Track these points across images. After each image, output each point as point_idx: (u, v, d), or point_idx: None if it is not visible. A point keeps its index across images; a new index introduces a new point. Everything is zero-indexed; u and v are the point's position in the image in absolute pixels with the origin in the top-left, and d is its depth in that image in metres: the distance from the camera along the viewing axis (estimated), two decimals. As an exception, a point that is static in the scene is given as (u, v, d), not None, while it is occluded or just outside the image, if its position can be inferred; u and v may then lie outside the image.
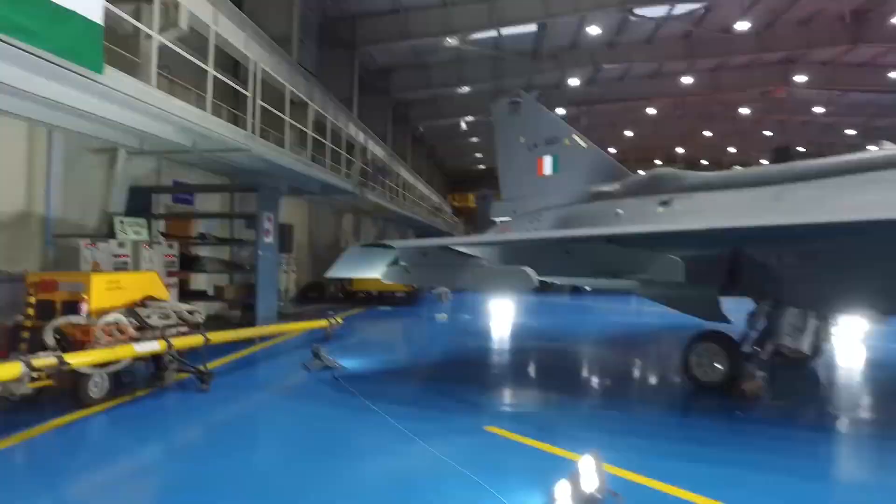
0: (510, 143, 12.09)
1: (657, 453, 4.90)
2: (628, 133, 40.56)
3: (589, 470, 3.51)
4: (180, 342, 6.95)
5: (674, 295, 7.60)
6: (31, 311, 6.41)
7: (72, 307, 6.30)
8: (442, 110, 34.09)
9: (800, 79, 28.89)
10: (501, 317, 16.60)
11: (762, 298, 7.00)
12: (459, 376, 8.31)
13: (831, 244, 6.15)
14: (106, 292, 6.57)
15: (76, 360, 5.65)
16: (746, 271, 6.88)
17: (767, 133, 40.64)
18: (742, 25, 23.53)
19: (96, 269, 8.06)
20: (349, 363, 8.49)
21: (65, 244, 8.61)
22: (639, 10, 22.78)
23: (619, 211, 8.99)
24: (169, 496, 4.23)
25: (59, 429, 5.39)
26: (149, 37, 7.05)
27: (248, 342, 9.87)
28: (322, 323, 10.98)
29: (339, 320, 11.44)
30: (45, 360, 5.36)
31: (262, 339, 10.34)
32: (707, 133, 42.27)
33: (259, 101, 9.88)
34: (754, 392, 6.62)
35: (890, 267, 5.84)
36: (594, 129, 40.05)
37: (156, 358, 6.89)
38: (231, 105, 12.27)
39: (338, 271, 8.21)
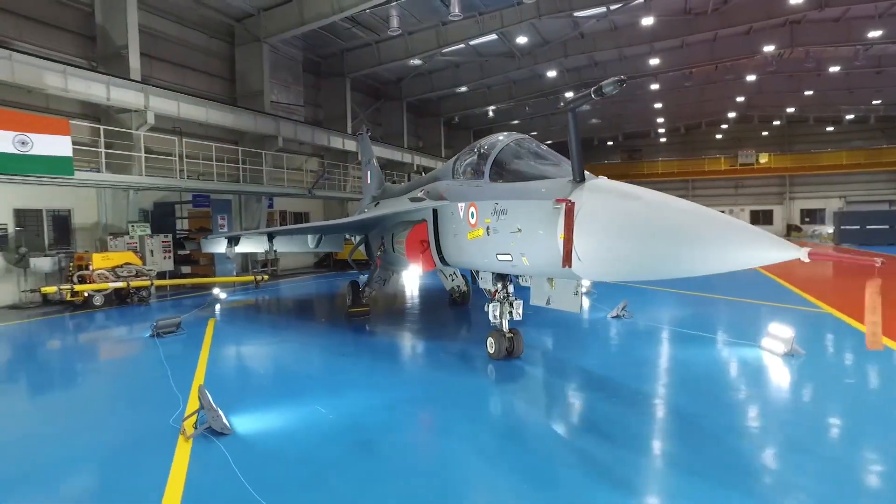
0: (362, 161, 18.40)
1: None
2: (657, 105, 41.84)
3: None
4: (136, 283, 15.17)
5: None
6: (72, 267, 15.10)
7: (86, 267, 14.79)
8: (468, 102, 39.76)
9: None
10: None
11: (371, 261, 12.89)
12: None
13: (372, 229, 11.91)
14: (101, 261, 14.98)
15: (81, 287, 14.05)
16: (367, 245, 12.82)
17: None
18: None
19: (103, 250, 16.62)
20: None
21: (104, 238, 17.41)
22: (578, 13, 26.19)
23: (366, 210, 15.09)
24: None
25: (82, 314, 13.83)
26: (136, 133, 15.26)
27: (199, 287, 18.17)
28: (249, 277, 18.79)
29: (266, 277, 19.16)
30: (66, 287, 13.83)
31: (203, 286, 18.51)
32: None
33: (188, 158, 17.87)
34: (359, 313, 12.63)
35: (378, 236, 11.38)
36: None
37: (138, 289, 15.29)
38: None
39: (205, 248, 15.77)
